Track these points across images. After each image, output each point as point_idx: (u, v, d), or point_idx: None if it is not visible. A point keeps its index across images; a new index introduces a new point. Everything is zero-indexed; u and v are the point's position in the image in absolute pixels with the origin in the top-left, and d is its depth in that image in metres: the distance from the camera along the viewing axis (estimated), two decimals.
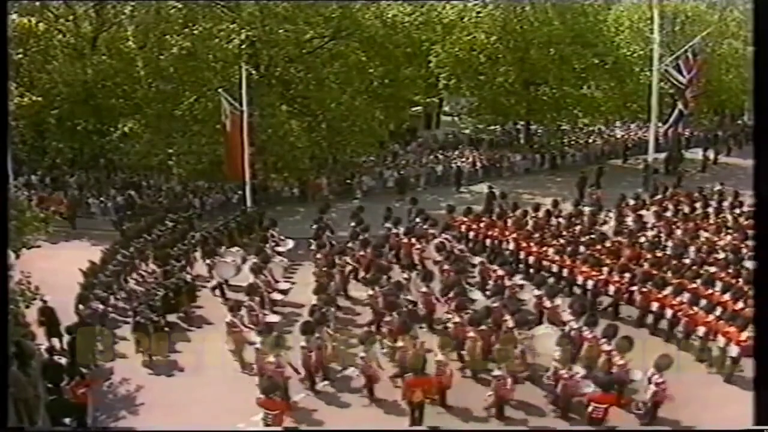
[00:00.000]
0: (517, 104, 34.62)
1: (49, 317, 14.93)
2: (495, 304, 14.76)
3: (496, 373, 12.17)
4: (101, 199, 27.08)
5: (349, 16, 28.72)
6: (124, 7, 27.98)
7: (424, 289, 15.89)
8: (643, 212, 22.44)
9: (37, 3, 28.96)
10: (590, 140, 38.10)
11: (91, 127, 29.39)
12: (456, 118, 41.93)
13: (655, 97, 28.52)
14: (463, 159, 33.43)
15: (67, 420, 12.10)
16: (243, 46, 26.74)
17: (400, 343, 13.17)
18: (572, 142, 37.21)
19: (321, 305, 14.76)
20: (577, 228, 20.79)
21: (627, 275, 16.31)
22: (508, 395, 12.30)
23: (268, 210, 25.39)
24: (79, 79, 27.89)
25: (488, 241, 20.78)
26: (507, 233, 20.38)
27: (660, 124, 30.54)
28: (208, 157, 26.48)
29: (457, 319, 14.23)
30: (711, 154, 35.44)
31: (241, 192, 25.65)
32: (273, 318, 15.32)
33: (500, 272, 16.91)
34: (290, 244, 20.67)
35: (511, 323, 13.80)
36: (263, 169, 27.59)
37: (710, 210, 22.85)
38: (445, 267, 17.42)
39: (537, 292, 15.82)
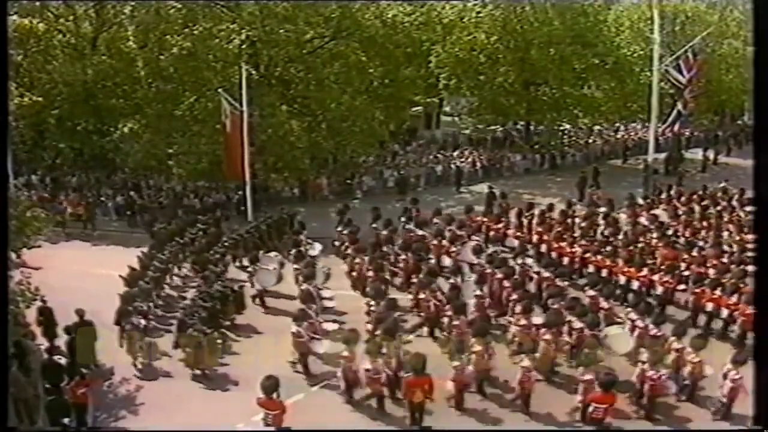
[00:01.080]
0: (517, 104, 34.65)
1: (47, 317, 14.91)
2: (554, 306, 14.81)
3: (587, 377, 12.03)
4: (101, 199, 27.07)
5: (349, 16, 28.70)
6: (124, 7, 28.01)
7: (478, 293, 15.67)
8: (656, 212, 22.59)
9: (38, 3, 28.95)
10: (590, 140, 38.10)
11: (91, 127, 29.41)
12: (456, 118, 41.93)
13: (655, 97, 28.53)
14: (463, 159, 33.45)
15: (66, 420, 12.09)
16: (243, 46, 26.74)
17: (477, 347, 12.95)
18: (572, 142, 37.22)
19: (384, 311, 14.34)
20: (603, 228, 20.82)
21: (671, 275, 16.41)
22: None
23: (269, 210, 25.38)
24: (79, 79, 27.91)
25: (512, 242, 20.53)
26: (535, 234, 20.49)
27: (660, 124, 30.55)
28: (208, 157, 26.46)
29: (523, 322, 14.19)
30: (711, 154, 35.47)
31: (241, 192, 25.65)
32: (330, 326, 14.70)
33: (545, 274, 16.78)
34: (318, 247, 19.86)
35: (577, 324, 13.79)
36: (263, 169, 27.57)
37: (720, 208, 22.95)
38: (488, 270, 16.90)
39: (591, 293, 15.70)
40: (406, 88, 34.69)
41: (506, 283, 16.14)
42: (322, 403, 12.97)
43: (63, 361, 13.40)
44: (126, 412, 12.88)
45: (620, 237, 19.67)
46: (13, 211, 12.08)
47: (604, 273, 17.62)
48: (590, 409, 11.73)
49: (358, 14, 29.42)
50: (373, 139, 30.69)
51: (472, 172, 32.40)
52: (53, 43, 29.03)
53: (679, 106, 29.61)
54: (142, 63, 27.74)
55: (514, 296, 15.32)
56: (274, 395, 11.23)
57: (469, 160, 33.28)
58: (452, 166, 32.29)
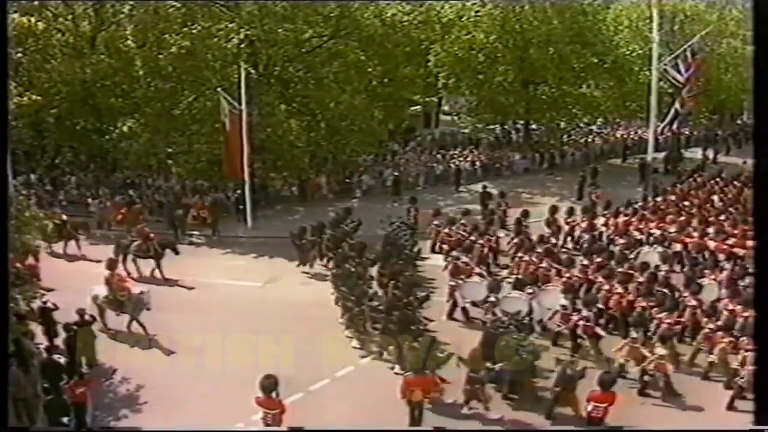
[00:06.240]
0: (516, 103, 34.63)
1: (47, 317, 14.89)
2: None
3: None
4: (101, 198, 27.04)
5: (348, 15, 28.64)
6: (122, 6, 27.99)
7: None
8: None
9: (37, 2, 28.90)
10: (590, 139, 38.11)
11: (90, 127, 29.40)
12: (455, 117, 41.94)
13: (654, 96, 28.50)
14: (462, 158, 33.42)
15: (66, 419, 12.08)
16: (242, 45, 26.70)
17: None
18: (571, 141, 37.23)
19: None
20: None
21: None
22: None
23: (267, 209, 25.36)
24: (78, 79, 27.84)
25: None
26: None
27: (658, 123, 30.56)
28: (207, 156, 26.40)
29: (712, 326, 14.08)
30: (710, 153, 35.51)
31: (239, 191, 25.65)
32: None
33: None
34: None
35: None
36: (262, 168, 27.55)
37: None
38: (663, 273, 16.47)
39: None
40: (405, 87, 34.72)
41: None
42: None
43: (62, 360, 13.38)
44: (126, 412, 12.86)
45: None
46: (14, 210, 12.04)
47: None
48: (590, 408, 11.72)
49: (357, 13, 29.36)
50: (372, 138, 30.65)
51: (471, 172, 32.40)
52: (52, 42, 28.93)
53: (677, 105, 29.62)
54: (140, 62, 27.74)
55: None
56: (273, 394, 11.22)
57: (469, 159, 33.28)
58: (451, 165, 32.29)
